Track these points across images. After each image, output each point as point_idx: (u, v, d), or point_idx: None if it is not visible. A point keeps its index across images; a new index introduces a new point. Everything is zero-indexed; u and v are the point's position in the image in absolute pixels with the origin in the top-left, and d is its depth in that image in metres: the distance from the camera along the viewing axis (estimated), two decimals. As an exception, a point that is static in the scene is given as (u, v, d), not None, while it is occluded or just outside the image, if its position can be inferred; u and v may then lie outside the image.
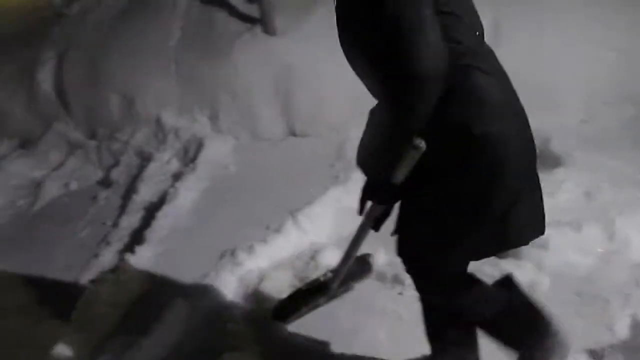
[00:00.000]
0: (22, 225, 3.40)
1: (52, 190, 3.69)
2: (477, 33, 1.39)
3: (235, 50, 3.82)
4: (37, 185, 3.75)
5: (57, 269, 2.87)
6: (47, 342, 2.27)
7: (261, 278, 2.47)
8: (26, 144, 4.27)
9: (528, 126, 1.42)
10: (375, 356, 2.00)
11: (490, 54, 1.42)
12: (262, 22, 3.85)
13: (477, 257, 1.55)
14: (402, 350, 1.90)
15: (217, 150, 3.66)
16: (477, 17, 1.41)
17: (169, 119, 3.91)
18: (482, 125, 1.30)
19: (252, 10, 3.95)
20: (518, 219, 1.41)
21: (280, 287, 2.38)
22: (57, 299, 2.61)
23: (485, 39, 1.42)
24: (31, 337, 2.37)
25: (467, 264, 1.58)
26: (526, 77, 3.17)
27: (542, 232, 1.51)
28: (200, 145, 3.69)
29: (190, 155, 3.68)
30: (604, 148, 3.03)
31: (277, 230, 2.73)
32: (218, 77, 3.82)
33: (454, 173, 1.35)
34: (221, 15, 4.05)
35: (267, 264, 2.55)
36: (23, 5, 5.73)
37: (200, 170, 3.46)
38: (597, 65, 3.41)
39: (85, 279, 2.72)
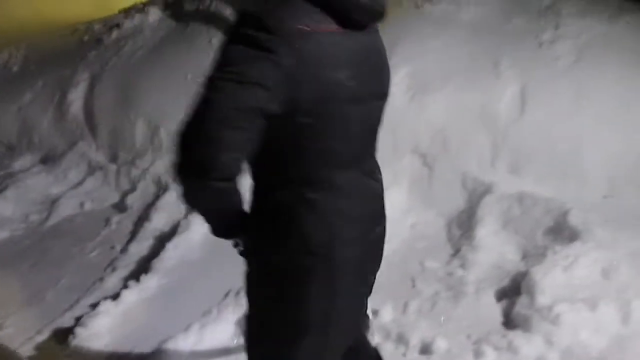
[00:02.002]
0: (33, 240, 3.40)
1: (66, 208, 3.71)
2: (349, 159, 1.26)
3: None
4: (53, 201, 3.77)
5: (61, 288, 2.86)
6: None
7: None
8: (47, 160, 4.33)
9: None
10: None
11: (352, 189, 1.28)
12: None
13: None
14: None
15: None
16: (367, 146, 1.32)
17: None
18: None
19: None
20: None
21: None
22: (57, 319, 2.59)
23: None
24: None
25: None
26: (551, 145, 3.22)
27: None
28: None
29: (206, 189, 3.68)
30: (625, 227, 2.95)
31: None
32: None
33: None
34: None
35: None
36: (64, 27, 5.90)
37: (215, 205, 3.45)
38: (627, 142, 3.35)
39: (87, 302, 2.70)
